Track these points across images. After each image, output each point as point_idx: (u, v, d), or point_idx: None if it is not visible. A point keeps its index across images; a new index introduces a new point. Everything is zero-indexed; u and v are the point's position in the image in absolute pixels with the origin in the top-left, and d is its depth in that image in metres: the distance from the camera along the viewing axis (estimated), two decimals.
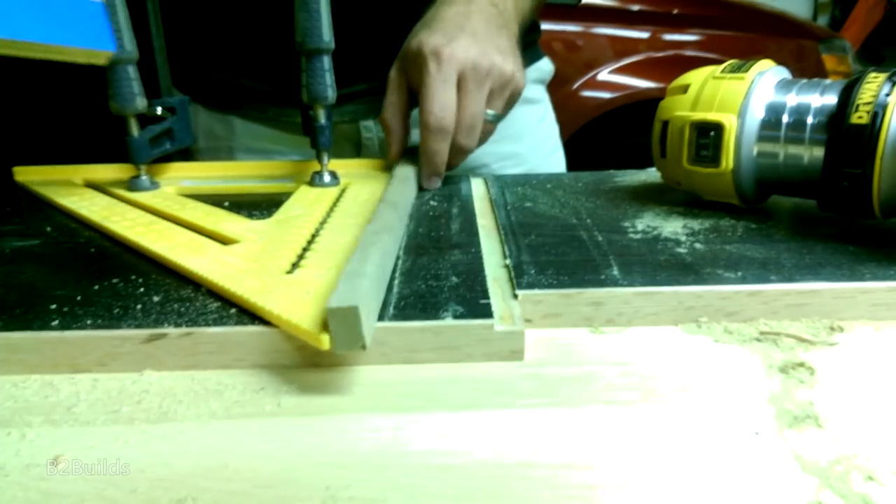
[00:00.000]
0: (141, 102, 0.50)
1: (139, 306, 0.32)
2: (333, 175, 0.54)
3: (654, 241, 0.40)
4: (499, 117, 0.55)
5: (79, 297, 0.33)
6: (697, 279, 0.34)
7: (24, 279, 0.36)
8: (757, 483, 0.23)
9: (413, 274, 0.35)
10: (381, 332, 0.30)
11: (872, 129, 0.37)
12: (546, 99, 0.78)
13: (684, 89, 0.46)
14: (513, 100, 0.55)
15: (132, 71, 0.49)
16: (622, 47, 1.98)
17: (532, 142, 0.74)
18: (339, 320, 0.26)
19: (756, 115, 0.42)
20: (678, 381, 0.29)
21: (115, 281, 0.35)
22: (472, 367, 0.30)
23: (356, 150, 0.70)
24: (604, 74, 1.97)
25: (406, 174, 0.52)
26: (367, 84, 0.65)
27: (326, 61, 0.50)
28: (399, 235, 0.40)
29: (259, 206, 0.49)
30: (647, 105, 1.93)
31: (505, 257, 0.38)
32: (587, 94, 1.96)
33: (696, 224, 0.44)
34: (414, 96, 0.54)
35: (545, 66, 0.76)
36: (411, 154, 0.56)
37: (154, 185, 0.53)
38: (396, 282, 0.34)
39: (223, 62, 0.68)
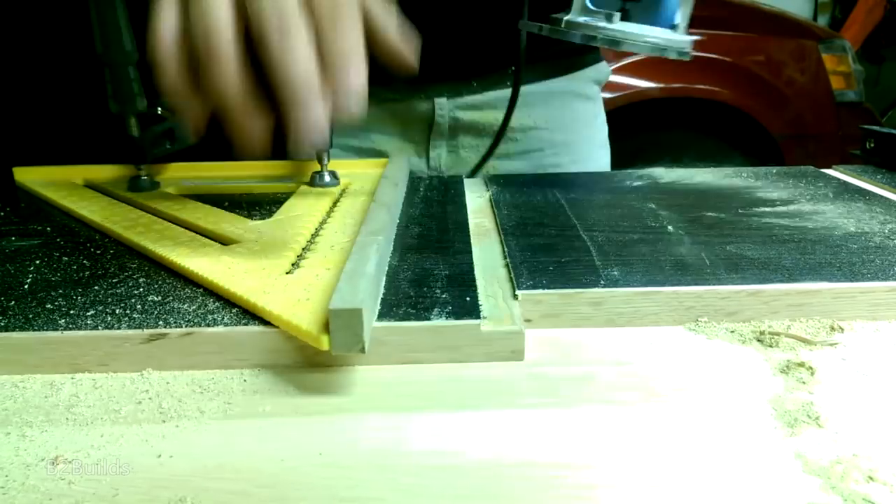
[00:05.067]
0: (141, 102, 0.50)
1: (139, 306, 0.32)
2: (333, 175, 0.54)
3: (654, 241, 0.40)
4: None
5: (79, 297, 0.33)
6: (697, 279, 0.34)
7: (25, 279, 0.36)
8: (757, 483, 0.23)
9: (414, 274, 0.35)
10: (380, 332, 0.30)
11: None
12: (600, 98, 0.82)
13: None
14: None
15: (132, 71, 0.49)
16: None
17: (585, 134, 0.78)
18: (340, 322, 0.26)
19: None
20: (678, 381, 0.29)
21: (115, 281, 0.35)
22: (472, 367, 0.30)
23: (427, 129, 0.71)
24: None
25: (396, 175, 0.52)
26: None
27: None
28: (392, 236, 0.40)
29: (259, 206, 0.49)
30: (647, 105, 1.93)
31: (505, 257, 0.38)
32: None
33: (696, 224, 0.44)
34: None
35: (603, 69, 0.80)
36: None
37: (154, 185, 0.53)
38: (396, 282, 0.34)
39: None
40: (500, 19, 0.62)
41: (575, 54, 0.76)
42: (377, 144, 0.71)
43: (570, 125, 0.76)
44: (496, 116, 0.70)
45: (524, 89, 0.69)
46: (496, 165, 0.71)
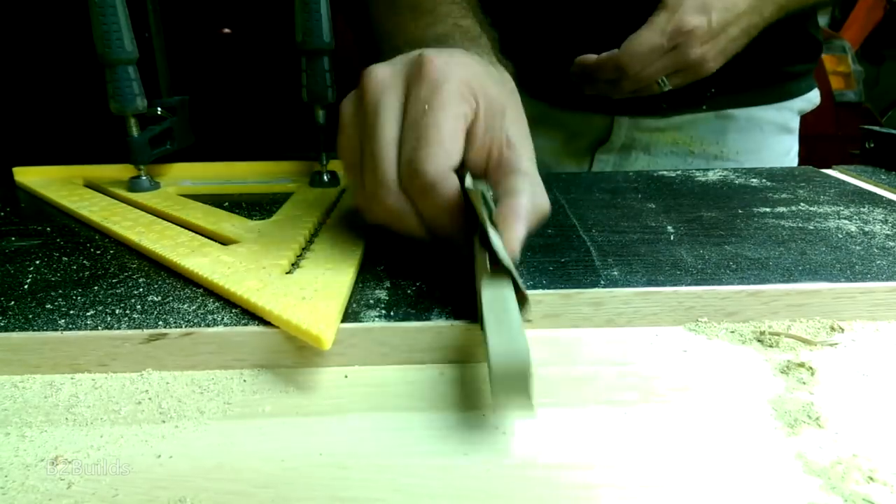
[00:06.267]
0: (141, 102, 0.50)
1: (139, 306, 0.32)
2: (333, 175, 0.54)
3: (654, 241, 0.40)
4: None
5: (79, 298, 0.33)
6: (697, 279, 0.34)
7: (24, 279, 0.36)
8: (757, 483, 0.23)
9: (413, 274, 0.35)
10: (381, 332, 0.30)
11: None
12: (797, 131, 0.73)
13: None
14: None
15: (132, 71, 0.49)
16: None
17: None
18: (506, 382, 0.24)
19: None
20: (678, 381, 0.29)
21: (114, 281, 0.35)
22: (471, 368, 0.30)
23: (595, 144, 0.66)
24: None
25: None
26: None
27: (326, 61, 0.50)
28: None
29: (259, 206, 0.49)
30: None
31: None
32: None
33: (696, 223, 0.44)
34: None
35: (813, 98, 0.71)
36: None
37: (154, 185, 0.53)
38: (396, 282, 0.34)
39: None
40: None
41: (790, 79, 0.67)
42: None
43: (763, 160, 0.67)
44: (678, 137, 0.62)
45: (719, 114, 0.62)
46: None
